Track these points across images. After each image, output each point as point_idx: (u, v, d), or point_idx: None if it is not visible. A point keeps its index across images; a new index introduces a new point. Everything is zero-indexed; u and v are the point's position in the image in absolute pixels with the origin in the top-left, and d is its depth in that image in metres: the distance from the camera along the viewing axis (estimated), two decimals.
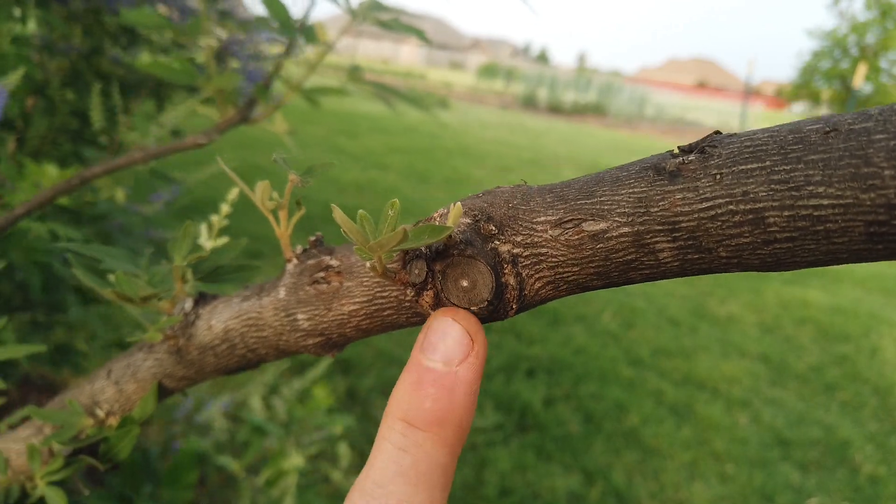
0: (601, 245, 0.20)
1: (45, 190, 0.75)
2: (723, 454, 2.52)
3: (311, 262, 0.30)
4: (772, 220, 0.18)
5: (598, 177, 0.21)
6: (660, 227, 0.19)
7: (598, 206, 0.20)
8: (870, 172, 0.16)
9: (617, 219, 0.20)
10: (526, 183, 0.25)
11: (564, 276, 0.21)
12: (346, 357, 2.74)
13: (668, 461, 2.43)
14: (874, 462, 2.60)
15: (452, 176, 6.80)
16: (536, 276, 0.22)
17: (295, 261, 0.31)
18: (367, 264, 0.24)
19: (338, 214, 0.21)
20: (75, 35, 1.61)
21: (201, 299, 0.36)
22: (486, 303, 0.22)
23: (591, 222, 0.20)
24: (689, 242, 0.18)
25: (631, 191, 0.20)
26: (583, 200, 0.20)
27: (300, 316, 0.30)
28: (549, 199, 0.22)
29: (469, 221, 0.22)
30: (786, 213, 0.17)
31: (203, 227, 0.46)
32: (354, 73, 0.78)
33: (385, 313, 0.27)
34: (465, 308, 0.23)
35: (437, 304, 0.24)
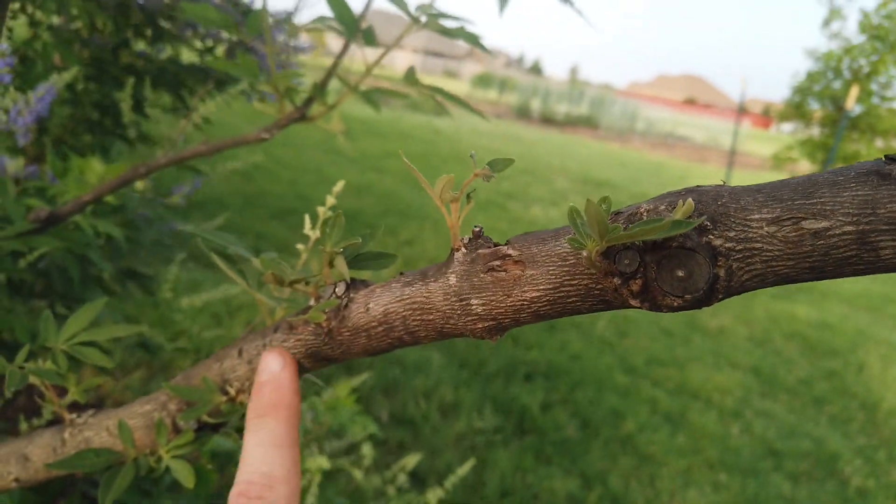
0: (822, 242, 0.23)
1: (111, 179, 0.76)
2: (716, 463, 2.57)
3: (483, 251, 0.32)
4: None
5: (811, 179, 0.24)
6: (885, 227, 0.21)
7: (818, 206, 0.22)
8: None
9: (841, 218, 0.22)
10: (725, 182, 0.27)
11: (776, 269, 0.24)
12: None
13: (663, 468, 2.46)
14: (863, 475, 2.66)
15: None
16: (746, 269, 0.24)
17: (464, 249, 0.33)
18: (584, 254, 0.26)
19: (590, 208, 0.23)
20: (105, 28, 1.62)
21: (352, 284, 0.38)
22: (701, 292, 0.25)
23: (812, 220, 0.23)
24: None
25: (854, 194, 0.22)
26: (801, 201, 0.23)
27: (474, 301, 0.32)
28: (760, 199, 0.24)
29: (691, 219, 0.24)
30: None
31: (307, 218, 0.48)
32: (410, 75, 0.81)
33: (569, 300, 0.29)
34: (677, 296, 0.26)
35: (644, 292, 0.26)
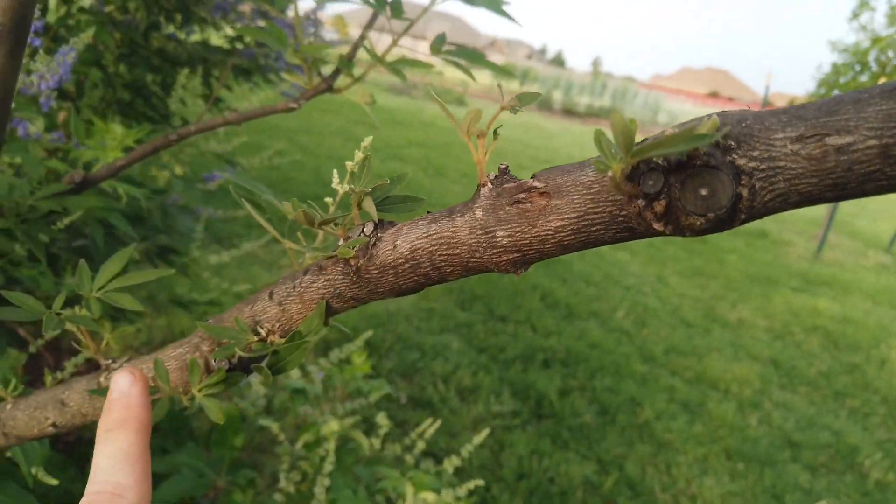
0: (845, 157, 0.23)
1: (145, 144, 0.78)
2: (734, 452, 2.55)
3: (508, 185, 0.33)
4: None
5: (835, 98, 0.24)
6: None
7: (842, 122, 0.23)
8: None
9: (865, 132, 0.23)
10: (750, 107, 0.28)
11: (799, 187, 0.24)
12: (367, 339, 2.77)
13: (680, 456, 2.46)
14: (883, 469, 2.63)
15: (470, 171, 6.82)
16: (769, 188, 0.25)
17: (489, 185, 0.34)
18: (609, 174, 0.27)
19: (615, 120, 0.24)
20: (138, 9, 1.64)
21: (380, 224, 0.39)
22: (724, 210, 0.25)
23: (836, 136, 0.23)
24: None
25: (879, 108, 0.22)
26: (825, 118, 0.23)
27: (500, 233, 0.33)
28: (784, 119, 0.25)
29: (715, 135, 0.25)
30: None
31: (335, 172, 0.49)
32: (438, 43, 0.81)
33: (593, 229, 0.30)
34: (700, 215, 0.26)
35: (668, 212, 0.27)
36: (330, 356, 1.50)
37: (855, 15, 6.63)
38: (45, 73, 0.78)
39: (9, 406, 0.58)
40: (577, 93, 20.78)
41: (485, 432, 1.40)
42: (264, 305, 0.44)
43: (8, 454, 1.07)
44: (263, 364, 0.44)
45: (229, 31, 1.91)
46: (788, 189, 0.24)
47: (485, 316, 3.31)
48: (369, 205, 0.39)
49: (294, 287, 0.42)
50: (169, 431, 1.45)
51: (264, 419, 1.39)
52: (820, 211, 7.73)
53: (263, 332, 0.44)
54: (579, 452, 2.35)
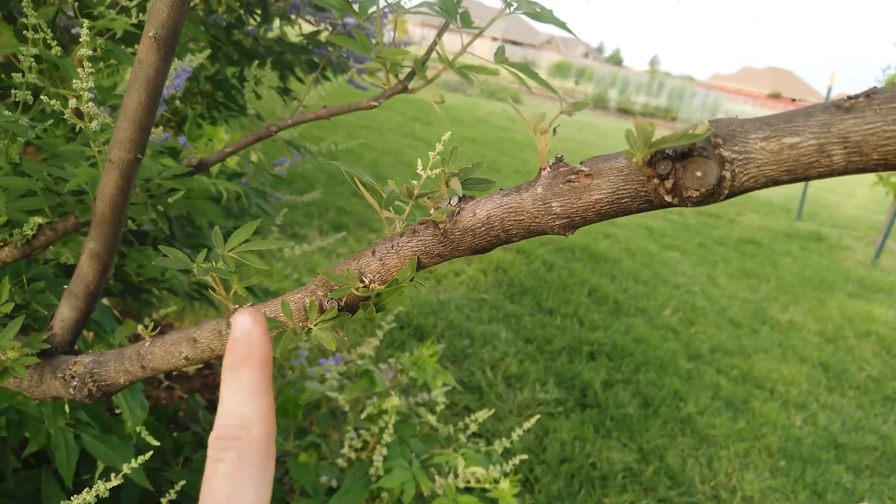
0: (794, 152, 0.34)
1: (247, 135, 0.92)
2: (776, 450, 2.59)
3: (563, 168, 0.45)
4: None
5: (793, 112, 0.35)
6: (837, 140, 0.32)
7: (794, 128, 0.34)
8: None
9: (808, 134, 0.34)
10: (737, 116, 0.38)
11: (765, 172, 0.35)
12: (419, 325, 2.91)
13: (721, 450, 2.51)
14: None
15: (522, 168, 6.91)
16: (745, 172, 0.36)
17: (548, 169, 0.46)
18: (634, 160, 0.39)
19: (638, 121, 0.35)
20: (220, 7, 1.80)
21: (463, 198, 0.51)
22: (711, 187, 0.37)
23: (790, 137, 0.34)
24: (854, 150, 0.32)
25: (819, 119, 0.33)
26: (783, 125, 0.34)
27: (554, 203, 0.44)
28: (757, 125, 0.36)
29: (707, 135, 0.36)
30: None
31: (419, 161, 0.61)
32: (500, 53, 0.94)
33: (623, 201, 0.42)
34: (695, 189, 0.38)
35: (675, 188, 0.38)
36: (403, 356, 1.63)
37: None
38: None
39: (147, 343, 0.72)
40: (634, 92, 20.57)
41: (534, 418, 1.51)
42: (368, 260, 0.56)
43: (117, 410, 1.24)
44: (369, 304, 0.56)
45: (306, 28, 2.06)
46: (758, 173, 0.35)
47: (533, 308, 3.41)
48: (455, 183, 0.51)
49: (392, 246, 0.55)
50: None
51: (333, 392, 1.53)
52: (880, 216, 7.53)
53: (367, 281, 0.56)
54: (621, 441, 2.43)
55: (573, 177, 0.44)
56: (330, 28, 1.98)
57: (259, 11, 1.88)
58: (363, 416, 1.54)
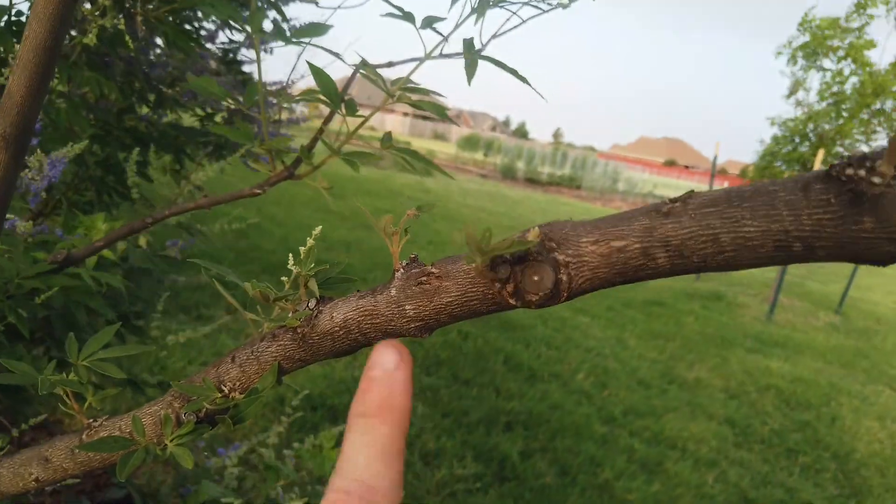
0: (622, 255, 0.35)
1: (121, 227, 0.87)
2: None
3: (415, 270, 0.44)
4: (723, 239, 0.32)
5: (620, 216, 0.36)
6: (659, 244, 0.33)
7: (620, 232, 0.35)
8: (775, 214, 0.31)
9: (633, 238, 0.34)
10: (571, 219, 0.39)
11: (598, 274, 0.36)
12: (333, 405, 2.81)
13: None
14: None
15: (435, 238, 6.98)
16: (580, 274, 0.37)
17: (402, 270, 0.45)
18: (473, 265, 0.38)
19: (469, 231, 0.35)
20: (111, 94, 1.76)
21: (321, 300, 0.50)
22: (549, 290, 0.37)
23: (617, 241, 0.35)
24: (676, 253, 0.32)
25: (641, 223, 0.34)
26: (610, 229, 0.35)
27: (408, 307, 0.44)
28: (588, 228, 0.36)
29: (539, 240, 0.37)
30: (731, 235, 0.32)
31: (290, 255, 0.60)
32: (386, 140, 0.94)
33: (472, 303, 0.41)
34: (535, 293, 0.38)
35: (515, 293, 0.38)
36: (305, 442, 1.56)
37: (790, 93, 7.13)
38: (35, 174, 0.88)
39: None
40: (540, 162, 21.48)
41: None
42: (227, 367, 0.53)
43: None
44: (225, 417, 0.53)
45: (200, 112, 2.03)
46: (593, 276, 0.36)
47: (449, 380, 3.38)
48: (313, 284, 0.49)
49: (252, 352, 0.52)
50: None
51: (230, 496, 1.43)
52: (771, 273, 8.03)
53: (226, 390, 0.53)
54: None
55: (424, 279, 0.44)
56: (226, 112, 1.97)
57: (152, 98, 1.85)
58: None
